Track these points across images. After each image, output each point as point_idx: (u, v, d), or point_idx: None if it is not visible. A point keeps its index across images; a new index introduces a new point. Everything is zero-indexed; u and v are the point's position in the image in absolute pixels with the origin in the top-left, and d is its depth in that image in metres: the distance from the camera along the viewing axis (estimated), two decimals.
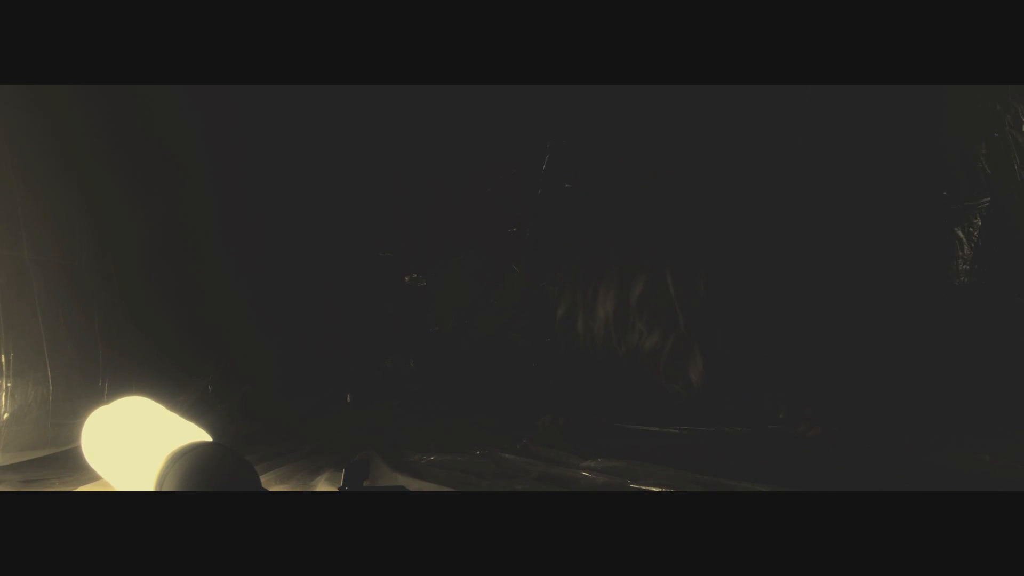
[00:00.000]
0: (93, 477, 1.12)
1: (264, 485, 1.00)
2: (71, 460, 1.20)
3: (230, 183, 1.69)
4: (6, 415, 1.15)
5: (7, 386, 1.15)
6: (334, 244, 1.90)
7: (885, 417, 1.38)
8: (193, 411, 1.39)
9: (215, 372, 1.61)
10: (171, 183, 1.54)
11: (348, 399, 1.83)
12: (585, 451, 1.24)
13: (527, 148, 1.78)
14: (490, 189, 1.80)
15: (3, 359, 1.15)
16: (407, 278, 1.88)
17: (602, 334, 1.55)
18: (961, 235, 1.46)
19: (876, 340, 1.48)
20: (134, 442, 1.00)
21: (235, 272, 1.73)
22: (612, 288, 1.54)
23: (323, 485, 1.12)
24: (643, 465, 1.16)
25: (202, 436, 1.01)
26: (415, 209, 1.88)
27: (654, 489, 1.08)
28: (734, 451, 1.36)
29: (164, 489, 0.87)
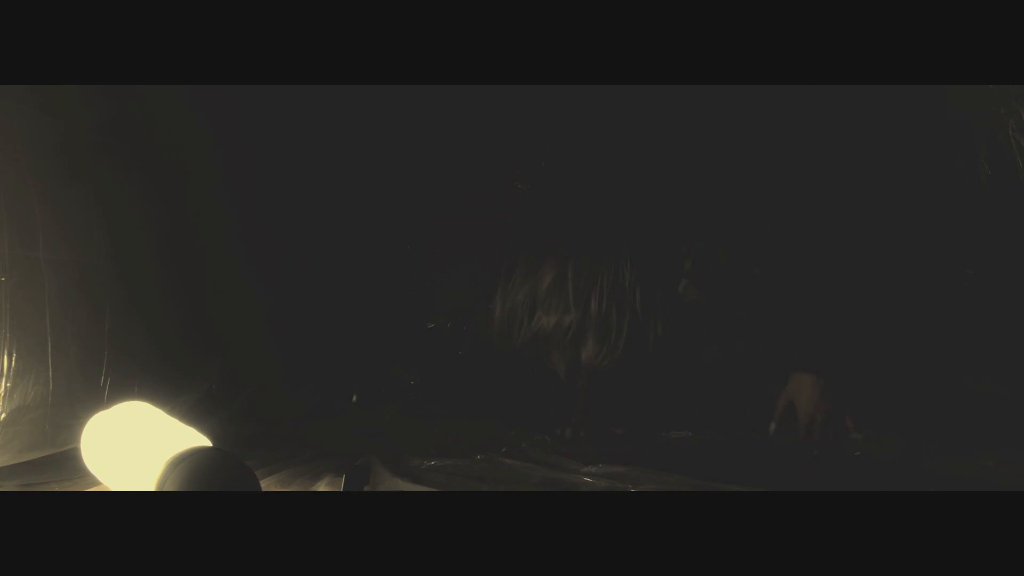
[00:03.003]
0: (92, 482, 1.11)
1: (264, 490, 1.00)
2: (70, 463, 1.19)
3: (241, 185, 1.68)
4: (3, 416, 1.14)
5: (7, 386, 1.14)
6: (337, 248, 1.90)
7: (883, 423, 1.38)
8: (194, 413, 1.39)
9: (218, 374, 1.61)
10: (182, 184, 1.53)
11: (354, 399, 1.82)
12: (586, 456, 1.23)
13: (526, 150, 1.77)
14: (492, 193, 1.80)
15: (5, 359, 1.14)
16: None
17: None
18: (963, 239, 1.45)
19: (875, 345, 1.48)
20: (133, 447, 1.00)
21: (242, 274, 1.72)
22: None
23: (323, 490, 1.12)
24: (645, 470, 1.16)
25: (202, 441, 1.01)
26: (420, 213, 1.87)
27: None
28: (737, 455, 1.36)
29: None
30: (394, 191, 1.89)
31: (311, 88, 1.52)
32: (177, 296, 1.50)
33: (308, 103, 1.74)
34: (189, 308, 1.53)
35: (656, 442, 1.44)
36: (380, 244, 1.92)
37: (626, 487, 1.11)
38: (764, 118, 1.55)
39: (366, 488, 1.13)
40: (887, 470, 1.23)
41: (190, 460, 0.89)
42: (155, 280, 1.44)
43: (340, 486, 1.11)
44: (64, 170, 1.27)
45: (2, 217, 1.15)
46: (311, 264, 1.87)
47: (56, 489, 1.12)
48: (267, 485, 1.14)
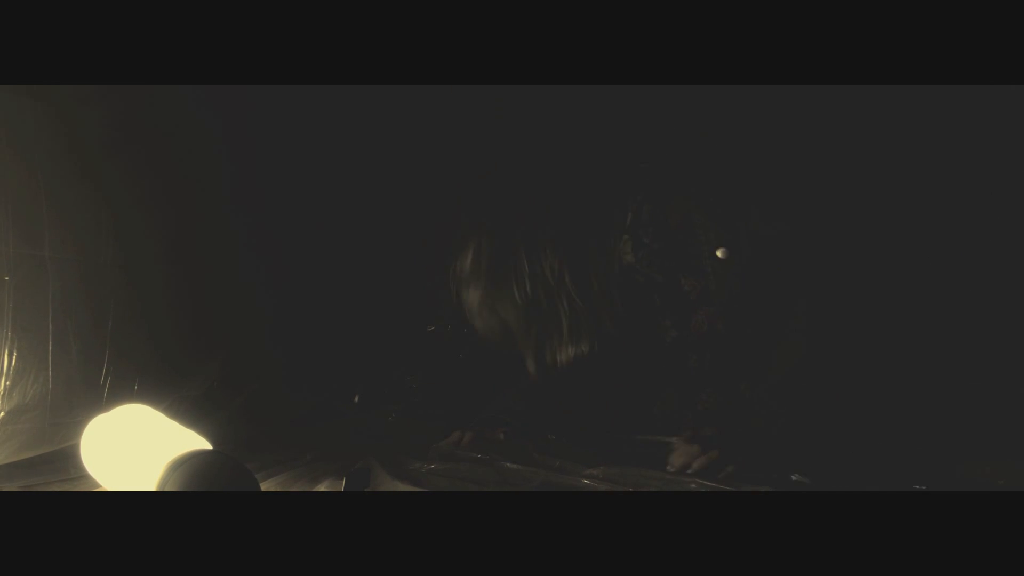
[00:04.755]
0: (92, 483, 1.11)
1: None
2: (69, 461, 1.19)
3: (245, 187, 1.69)
4: (1, 413, 1.15)
5: (6, 385, 1.15)
6: (339, 250, 1.90)
7: (878, 428, 1.37)
8: (194, 413, 1.39)
9: (219, 374, 1.61)
10: (188, 185, 1.54)
11: (356, 399, 1.82)
12: (587, 459, 1.23)
13: (528, 150, 1.77)
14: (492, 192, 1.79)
15: (5, 358, 1.15)
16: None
17: None
18: (964, 240, 1.45)
19: (871, 349, 1.47)
20: (133, 450, 1.00)
21: (245, 275, 1.72)
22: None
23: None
24: (646, 472, 1.16)
25: (202, 444, 1.00)
26: (421, 214, 1.88)
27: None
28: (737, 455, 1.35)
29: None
30: (395, 194, 1.89)
31: (313, 90, 1.53)
32: (180, 296, 1.50)
33: (311, 105, 1.75)
34: (192, 308, 1.53)
35: (657, 444, 1.43)
36: (381, 246, 1.92)
37: (627, 489, 1.11)
38: (756, 117, 1.54)
39: (366, 491, 1.13)
40: (889, 471, 1.23)
41: (190, 463, 0.89)
42: (159, 280, 1.45)
43: (340, 489, 1.11)
44: (71, 169, 1.27)
45: (8, 215, 1.16)
46: (313, 266, 1.88)
47: (56, 489, 1.12)
48: (267, 488, 1.14)
